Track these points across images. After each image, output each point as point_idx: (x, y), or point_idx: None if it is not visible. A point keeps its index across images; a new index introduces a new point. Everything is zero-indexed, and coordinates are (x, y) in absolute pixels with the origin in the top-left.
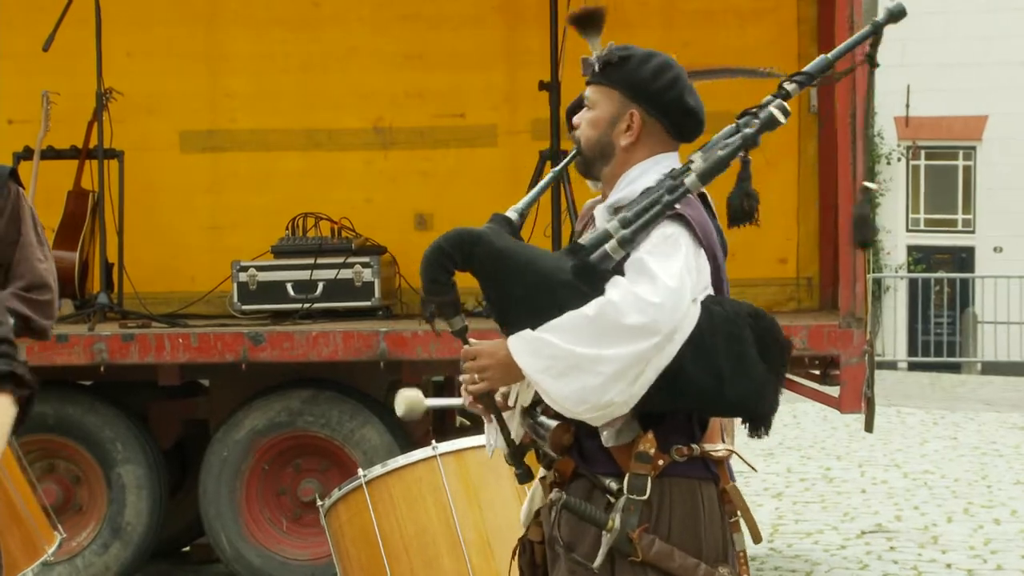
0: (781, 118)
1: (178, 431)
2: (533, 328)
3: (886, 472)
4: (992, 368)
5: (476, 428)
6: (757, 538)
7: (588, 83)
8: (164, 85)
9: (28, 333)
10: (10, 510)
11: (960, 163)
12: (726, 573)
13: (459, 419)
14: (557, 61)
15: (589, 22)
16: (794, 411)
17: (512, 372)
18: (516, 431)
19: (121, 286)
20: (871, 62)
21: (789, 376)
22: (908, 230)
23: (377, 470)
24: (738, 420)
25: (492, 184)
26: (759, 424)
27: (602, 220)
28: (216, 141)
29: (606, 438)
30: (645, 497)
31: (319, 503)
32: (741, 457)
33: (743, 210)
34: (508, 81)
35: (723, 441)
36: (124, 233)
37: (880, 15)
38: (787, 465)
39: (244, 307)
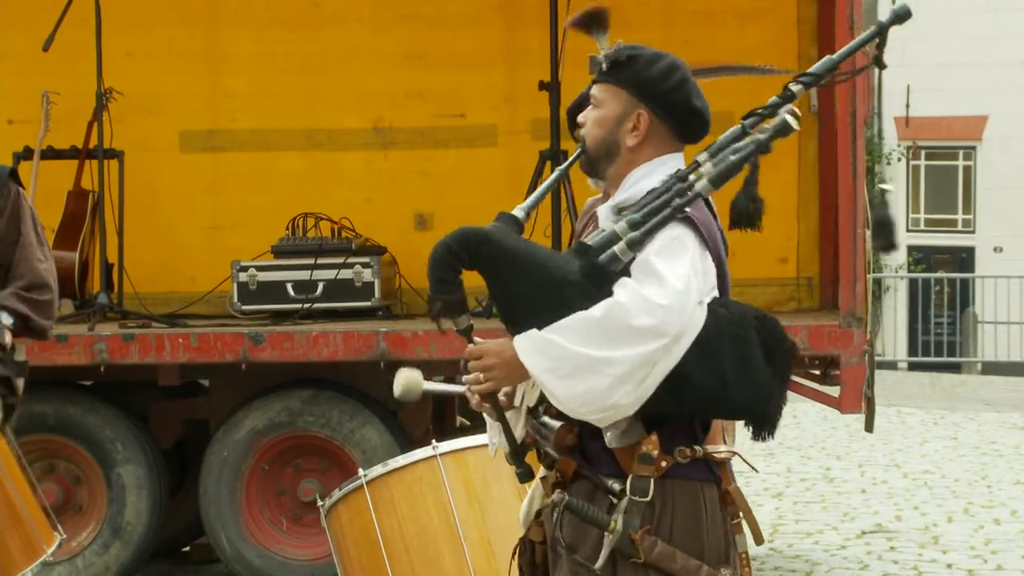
0: (795, 124)
1: (178, 431)
2: (539, 328)
3: (886, 472)
4: (992, 368)
5: (476, 428)
6: (759, 539)
7: (595, 81)
8: (164, 85)
9: (28, 333)
10: (10, 510)
11: (960, 163)
12: (728, 574)
13: (459, 419)
14: (557, 61)
15: (594, 21)
16: (794, 411)
17: (518, 372)
18: (520, 431)
19: (121, 286)
20: (879, 64)
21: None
22: (908, 230)
23: (377, 470)
24: (740, 421)
25: (492, 184)
26: (764, 427)
27: (605, 220)
28: (216, 141)
29: (610, 439)
30: (648, 499)
31: (320, 503)
32: (743, 458)
33: (748, 214)
34: (508, 81)
35: (724, 442)
36: (124, 233)
37: (881, 15)
38: (787, 465)
39: (244, 307)
